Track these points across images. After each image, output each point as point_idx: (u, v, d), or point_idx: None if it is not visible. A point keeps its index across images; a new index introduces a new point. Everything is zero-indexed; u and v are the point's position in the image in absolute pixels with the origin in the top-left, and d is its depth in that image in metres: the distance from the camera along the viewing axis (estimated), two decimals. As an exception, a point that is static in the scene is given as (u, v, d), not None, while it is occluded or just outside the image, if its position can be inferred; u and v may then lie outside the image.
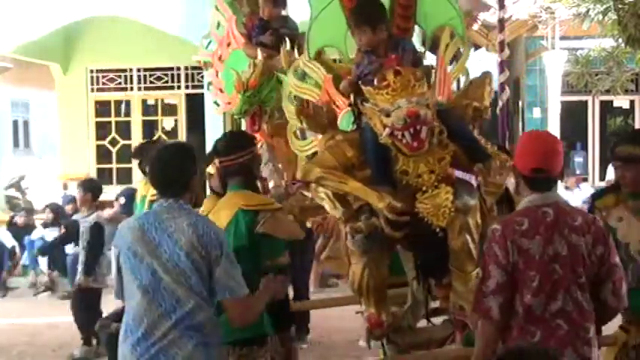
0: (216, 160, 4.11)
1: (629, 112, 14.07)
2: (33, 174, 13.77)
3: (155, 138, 13.37)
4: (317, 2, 4.54)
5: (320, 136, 4.47)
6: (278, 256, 3.90)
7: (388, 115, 3.68)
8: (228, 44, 6.35)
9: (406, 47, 4.21)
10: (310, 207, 5.05)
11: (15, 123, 16.89)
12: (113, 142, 13.66)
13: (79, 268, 7.46)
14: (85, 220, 7.57)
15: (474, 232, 3.85)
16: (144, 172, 5.83)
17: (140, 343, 3.24)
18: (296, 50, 5.71)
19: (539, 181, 3.13)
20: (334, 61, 5.29)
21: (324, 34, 4.60)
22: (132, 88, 13.62)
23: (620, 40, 8.67)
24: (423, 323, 4.39)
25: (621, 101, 13.54)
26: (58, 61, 13.53)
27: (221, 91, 6.23)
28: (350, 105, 4.38)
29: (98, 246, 7.52)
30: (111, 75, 13.63)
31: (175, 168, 3.37)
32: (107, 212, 10.01)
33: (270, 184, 6.09)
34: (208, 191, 5.14)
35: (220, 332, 3.40)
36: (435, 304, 4.35)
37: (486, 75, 4.34)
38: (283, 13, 6.29)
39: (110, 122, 13.80)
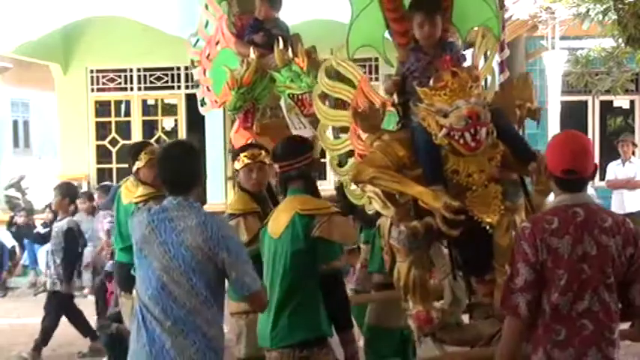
0: (275, 165, 4.08)
1: (629, 112, 14.06)
2: (33, 174, 13.77)
3: (154, 139, 13.38)
4: (357, 3, 4.58)
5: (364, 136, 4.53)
6: (334, 260, 3.84)
7: (445, 116, 3.73)
8: (217, 43, 6.39)
9: (453, 48, 4.29)
10: None
11: (15, 123, 16.91)
12: (113, 142, 13.66)
13: (50, 271, 7.38)
14: (57, 225, 7.49)
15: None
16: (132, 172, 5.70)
17: (148, 341, 3.31)
18: (290, 50, 5.77)
19: (570, 182, 3.14)
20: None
21: (363, 34, 4.63)
22: (132, 88, 13.62)
23: (620, 40, 8.68)
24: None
25: (621, 101, 13.53)
26: (58, 61, 13.53)
27: (208, 89, 6.23)
28: (393, 104, 4.43)
29: (74, 251, 7.49)
30: (111, 75, 13.63)
31: (185, 166, 3.47)
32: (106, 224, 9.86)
33: None
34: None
35: (223, 337, 3.48)
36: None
37: (527, 75, 4.40)
38: (276, 15, 6.35)
39: (110, 122, 13.80)
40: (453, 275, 4.15)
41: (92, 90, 13.69)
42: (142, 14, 11.70)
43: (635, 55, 9.48)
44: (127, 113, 13.84)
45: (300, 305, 3.74)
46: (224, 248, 3.30)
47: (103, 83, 13.69)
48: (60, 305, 7.41)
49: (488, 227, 3.77)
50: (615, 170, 10.50)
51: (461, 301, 4.29)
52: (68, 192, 7.70)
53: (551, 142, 3.27)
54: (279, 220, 3.87)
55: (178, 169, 3.44)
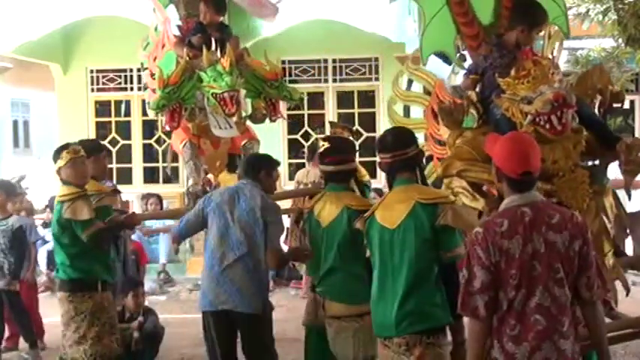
0: (382, 155, 3.99)
1: (629, 112, 14.06)
2: (33, 174, 13.76)
3: (154, 139, 13.35)
4: (429, 9, 4.65)
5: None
6: (457, 247, 3.84)
7: (530, 103, 3.83)
8: (163, 46, 6.41)
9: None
10: None
11: (15, 123, 16.91)
12: (113, 142, 13.64)
13: (3, 271, 7.15)
14: (6, 222, 7.31)
15: (609, 212, 4.04)
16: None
17: (214, 267, 4.95)
18: (218, 51, 5.77)
19: (525, 183, 3.24)
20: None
21: (435, 39, 4.71)
22: (132, 88, 13.62)
23: (620, 40, 8.70)
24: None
25: (621, 101, 13.52)
26: (58, 61, 13.53)
27: (154, 92, 6.21)
28: (472, 102, 4.50)
29: (24, 250, 7.36)
30: (111, 75, 13.64)
31: (253, 163, 5.18)
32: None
33: (190, 182, 6.20)
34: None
35: (265, 268, 5.01)
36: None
37: (601, 65, 4.49)
38: (221, 19, 6.42)
39: (110, 122, 13.80)
40: None
41: (92, 90, 13.69)
42: (141, 14, 11.69)
43: (635, 55, 9.50)
44: (127, 113, 13.83)
45: (427, 293, 3.75)
46: (272, 213, 4.98)
47: (103, 83, 13.69)
48: (21, 301, 7.33)
49: (577, 212, 3.82)
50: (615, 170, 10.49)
51: None
52: (7, 190, 7.51)
53: (500, 145, 3.32)
54: (393, 211, 3.83)
55: (251, 165, 5.15)
